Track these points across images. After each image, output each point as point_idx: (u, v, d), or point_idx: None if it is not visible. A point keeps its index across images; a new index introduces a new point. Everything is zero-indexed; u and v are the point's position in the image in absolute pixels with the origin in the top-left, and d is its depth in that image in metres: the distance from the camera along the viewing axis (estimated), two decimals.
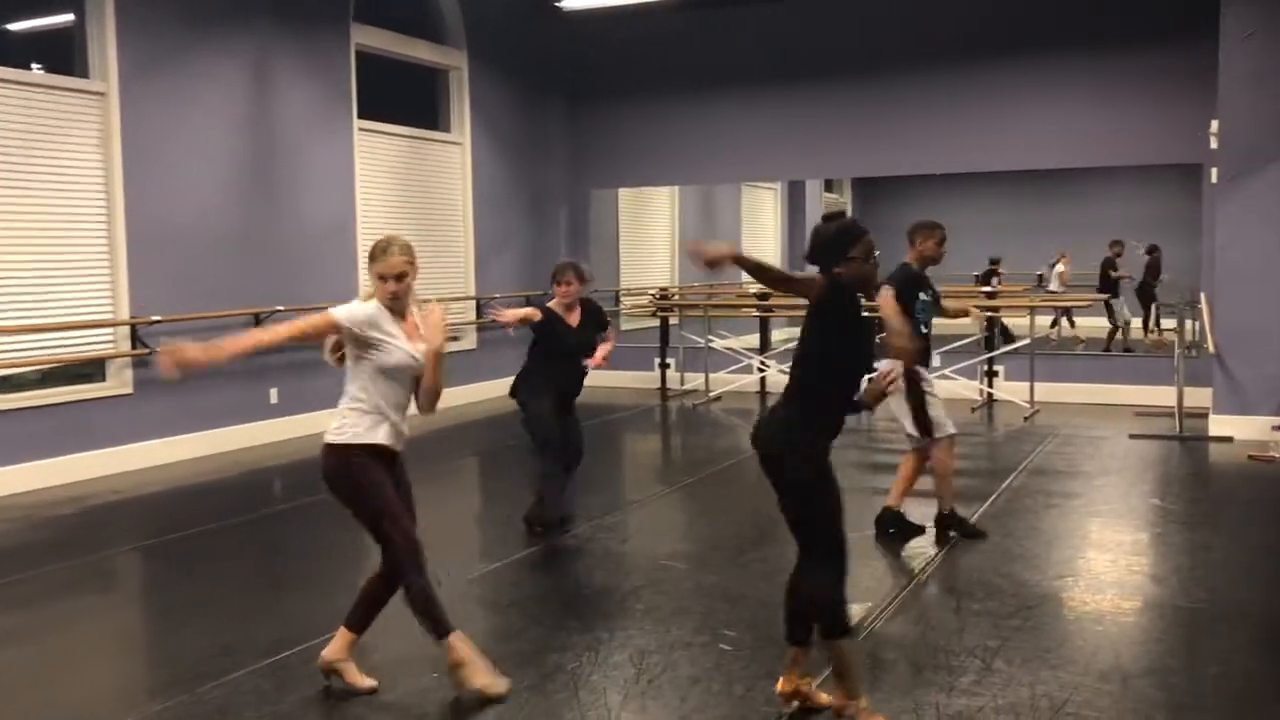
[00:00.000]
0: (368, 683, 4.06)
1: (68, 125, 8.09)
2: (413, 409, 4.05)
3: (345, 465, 3.92)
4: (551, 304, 6.26)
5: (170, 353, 3.58)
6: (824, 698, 3.82)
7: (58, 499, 7.48)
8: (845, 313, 3.69)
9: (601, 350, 6.36)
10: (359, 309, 3.90)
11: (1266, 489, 7.33)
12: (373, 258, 3.91)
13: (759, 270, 3.63)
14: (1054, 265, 15.59)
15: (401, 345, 3.92)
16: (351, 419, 3.94)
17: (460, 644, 3.97)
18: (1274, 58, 8.86)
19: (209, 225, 9.02)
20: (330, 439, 3.95)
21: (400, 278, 3.90)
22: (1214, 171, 9.44)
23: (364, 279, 3.71)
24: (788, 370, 3.90)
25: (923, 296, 5.89)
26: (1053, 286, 15.32)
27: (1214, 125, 9.32)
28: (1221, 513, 6.86)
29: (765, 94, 12.29)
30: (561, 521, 6.34)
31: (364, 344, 3.88)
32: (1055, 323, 15.06)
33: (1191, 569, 5.53)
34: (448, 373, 4.07)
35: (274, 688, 4.14)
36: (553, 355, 6.28)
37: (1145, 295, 14.82)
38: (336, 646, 4.09)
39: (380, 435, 3.94)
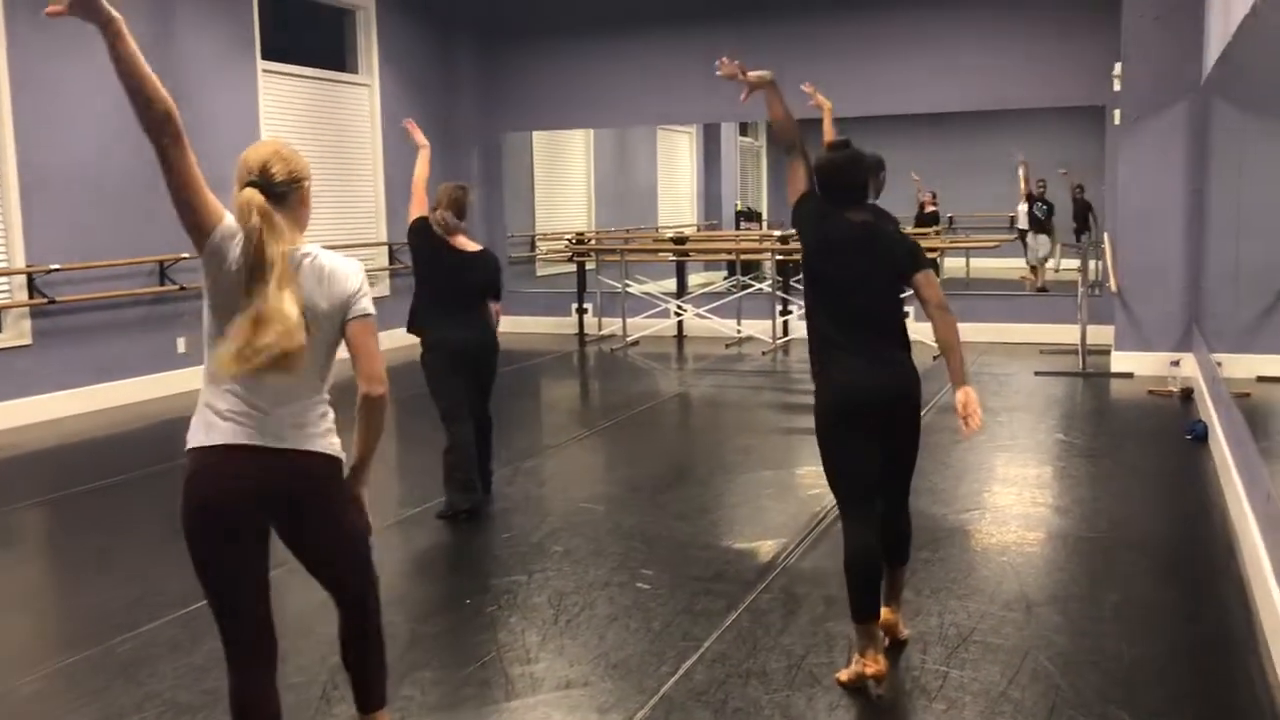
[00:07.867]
0: None
1: None
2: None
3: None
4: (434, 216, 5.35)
5: None
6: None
7: None
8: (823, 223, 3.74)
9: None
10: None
11: (1165, 422, 7.58)
12: None
13: (785, 116, 3.71)
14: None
15: None
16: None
17: None
18: None
19: (108, 169, 8.72)
20: (330, 449, 2.84)
21: None
22: (1117, 114, 9.62)
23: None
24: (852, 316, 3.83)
25: None
26: (1022, 224, 15.07)
27: (1117, 68, 9.48)
28: (1122, 446, 7.08)
29: (681, 35, 12.20)
30: (469, 511, 5.48)
31: None
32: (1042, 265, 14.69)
33: (1093, 500, 5.71)
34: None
35: (188, 638, 4.09)
36: (434, 283, 5.33)
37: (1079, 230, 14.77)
38: None
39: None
